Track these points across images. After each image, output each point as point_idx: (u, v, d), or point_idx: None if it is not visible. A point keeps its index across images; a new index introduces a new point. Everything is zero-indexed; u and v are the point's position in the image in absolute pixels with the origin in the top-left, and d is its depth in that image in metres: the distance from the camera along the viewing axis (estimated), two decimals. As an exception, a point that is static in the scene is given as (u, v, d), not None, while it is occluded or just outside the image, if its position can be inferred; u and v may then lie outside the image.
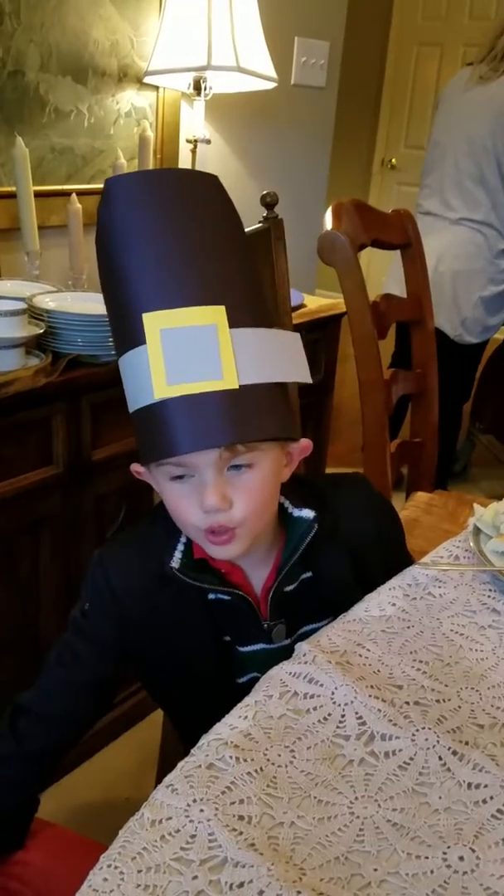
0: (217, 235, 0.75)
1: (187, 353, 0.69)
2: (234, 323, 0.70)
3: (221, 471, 0.72)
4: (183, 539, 0.81)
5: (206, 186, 0.76)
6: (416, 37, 4.62)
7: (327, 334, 1.94)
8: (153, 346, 0.69)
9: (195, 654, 0.83)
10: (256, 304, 0.74)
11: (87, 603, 0.83)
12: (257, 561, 0.82)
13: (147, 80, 1.75)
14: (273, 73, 1.76)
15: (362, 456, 1.45)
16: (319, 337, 1.92)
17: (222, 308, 0.71)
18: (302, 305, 1.87)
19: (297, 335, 0.80)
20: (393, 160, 4.88)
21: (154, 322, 0.69)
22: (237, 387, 0.70)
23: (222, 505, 0.72)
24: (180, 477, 0.73)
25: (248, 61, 1.67)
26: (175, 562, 0.79)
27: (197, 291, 0.71)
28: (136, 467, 0.81)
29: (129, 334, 0.71)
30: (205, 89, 1.74)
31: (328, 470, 2.22)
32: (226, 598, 0.81)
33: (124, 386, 0.76)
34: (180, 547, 0.81)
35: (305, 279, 2.31)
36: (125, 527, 1.48)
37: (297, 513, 0.83)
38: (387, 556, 0.92)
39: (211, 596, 0.82)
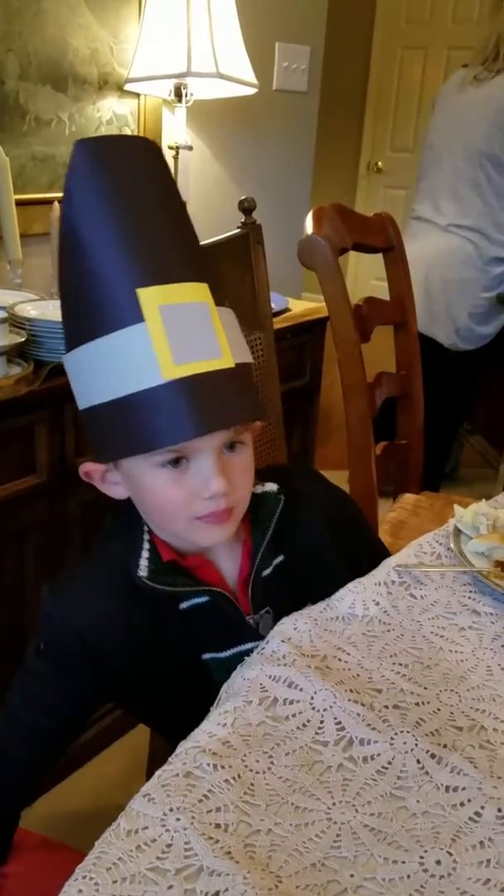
0: (181, 208, 0.72)
1: (188, 331, 0.66)
2: (215, 301, 0.69)
3: (221, 453, 0.70)
4: (146, 546, 0.76)
5: (158, 154, 0.72)
6: (399, 40, 4.64)
7: (313, 338, 1.94)
8: (154, 324, 0.64)
9: (174, 672, 0.79)
10: (216, 283, 0.71)
11: (42, 644, 0.78)
12: (227, 552, 0.78)
13: (128, 87, 1.75)
14: (253, 79, 1.76)
15: (347, 459, 1.45)
16: (305, 340, 1.92)
17: (206, 285, 0.68)
18: (287, 310, 1.88)
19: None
20: (379, 163, 4.90)
21: (151, 298, 0.65)
22: (234, 365, 0.68)
23: (227, 488, 0.69)
24: (173, 465, 0.69)
25: (227, 67, 1.67)
26: (143, 570, 0.74)
27: (187, 267, 0.68)
28: (88, 467, 0.75)
29: (111, 314, 0.65)
30: (185, 96, 1.75)
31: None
32: (202, 600, 0.76)
33: (89, 376, 0.69)
34: (145, 554, 0.75)
35: (292, 283, 2.31)
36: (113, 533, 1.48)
37: (259, 489, 0.80)
38: (350, 519, 0.91)
39: (184, 605, 0.77)
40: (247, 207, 1.23)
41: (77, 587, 0.78)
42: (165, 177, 0.72)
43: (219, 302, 0.70)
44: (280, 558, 0.81)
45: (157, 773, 0.61)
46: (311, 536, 0.82)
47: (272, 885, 0.52)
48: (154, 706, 0.86)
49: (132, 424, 0.67)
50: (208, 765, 0.61)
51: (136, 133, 1.83)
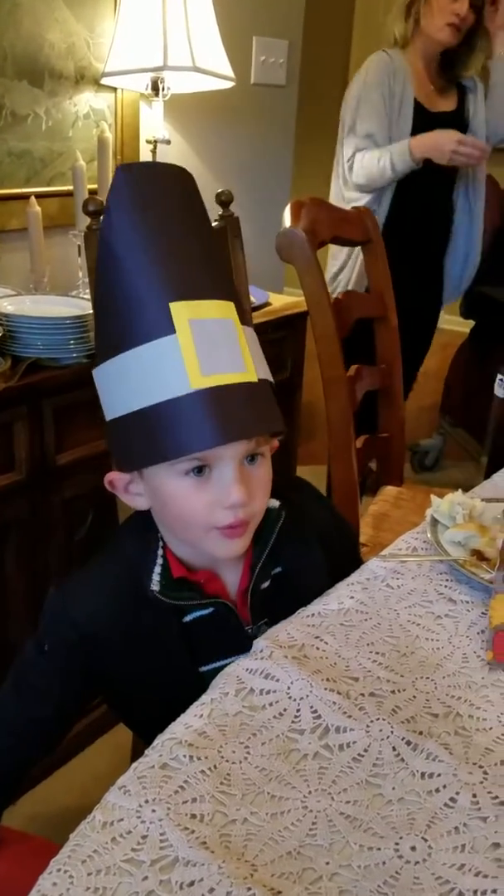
0: (209, 231, 0.76)
1: (214, 344, 0.69)
2: (240, 320, 0.72)
3: (242, 464, 0.72)
4: (159, 561, 0.78)
5: (192, 183, 0.76)
6: (379, 34, 4.64)
7: (294, 332, 1.94)
8: (184, 337, 0.68)
9: (169, 681, 0.80)
10: (244, 305, 0.76)
11: (46, 639, 0.80)
12: (231, 564, 0.80)
13: (104, 81, 1.74)
14: (230, 73, 1.76)
15: (328, 453, 1.45)
16: (286, 335, 1.92)
17: (232, 304, 0.72)
18: (267, 304, 1.88)
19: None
20: (361, 158, 4.89)
21: (182, 312, 0.68)
22: (256, 380, 0.71)
23: (247, 498, 0.71)
24: (196, 473, 0.71)
25: (204, 61, 1.67)
26: (155, 585, 0.76)
27: (215, 286, 0.71)
28: (112, 476, 0.77)
29: (143, 327, 0.69)
30: (163, 90, 1.74)
31: (302, 468, 2.23)
32: (205, 612, 0.79)
33: (117, 387, 0.72)
34: (157, 569, 0.78)
35: (273, 277, 2.31)
36: (94, 532, 1.48)
37: None
38: (347, 547, 0.93)
39: (188, 618, 0.79)
40: (224, 200, 1.23)
41: (84, 586, 0.81)
42: (197, 203, 0.76)
43: (242, 321, 0.73)
44: (278, 569, 0.83)
45: (133, 765, 0.61)
46: (307, 551, 0.84)
47: (247, 874, 0.52)
48: (144, 711, 0.87)
49: (158, 433, 0.69)
50: (185, 756, 0.61)
51: (113, 127, 1.82)
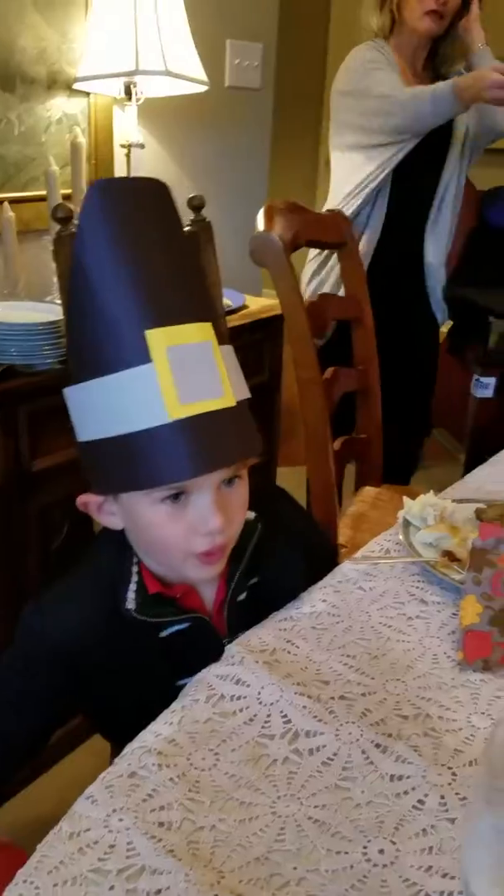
0: (187, 248, 0.74)
1: (192, 371, 0.68)
2: (218, 340, 0.70)
3: (219, 489, 0.71)
4: (134, 578, 0.78)
5: (169, 197, 0.74)
6: (356, 36, 4.65)
7: (271, 334, 1.94)
8: (161, 366, 0.66)
9: (147, 695, 0.78)
10: (221, 321, 0.75)
11: (22, 656, 0.79)
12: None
13: (77, 86, 1.73)
14: (203, 76, 1.76)
15: (306, 455, 1.45)
16: (263, 337, 1.92)
17: (210, 325, 0.70)
18: (244, 307, 1.87)
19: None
20: (339, 159, 4.90)
21: (158, 340, 0.66)
22: (234, 404, 0.70)
23: (225, 524, 0.70)
24: (172, 500, 0.70)
25: (176, 65, 1.66)
26: (130, 603, 0.76)
27: (193, 306, 0.69)
28: (85, 498, 0.76)
29: (118, 354, 0.67)
30: (136, 94, 1.73)
31: (281, 469, 2.23)
32: (182, 627, 0.78)
33: (91, 411, 0.70)
34: (133, 587, 0.77)
35: (251, 280, 2.31)
36: (70, 539, 1.47)
37: None
38: (324, 556, 0.93)
39: (165, 633, 0.78)
40: (196, 205, 1.23)
41: (60, 603, 0.80)
42: (173, 218, 0.74)
43: (220, 340, 0.72)
44: (255, 580, 0.82)
45: (101, 775, 0.61)
46: (285, 561, 0.84)
47: (214, 881, 0.52)
48: (120, 724, 0.86)
49: (134, 461, 0.68)
50: (154, 765, 0.61)
51: (86, 132, 1.82)
